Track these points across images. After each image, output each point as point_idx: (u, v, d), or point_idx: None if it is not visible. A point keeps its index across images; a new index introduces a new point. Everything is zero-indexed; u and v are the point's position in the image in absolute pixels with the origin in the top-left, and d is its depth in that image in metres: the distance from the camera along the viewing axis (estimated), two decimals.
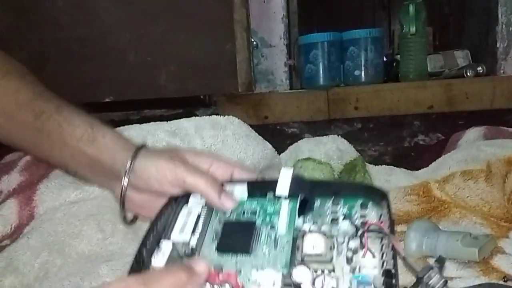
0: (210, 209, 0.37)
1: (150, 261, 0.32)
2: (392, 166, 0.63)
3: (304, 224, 0.34)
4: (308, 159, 0.59)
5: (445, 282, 0.30)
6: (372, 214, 0.34)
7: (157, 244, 0.33)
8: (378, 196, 0.34)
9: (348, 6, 1.34)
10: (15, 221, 0.43)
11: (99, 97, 0.99)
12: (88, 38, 0.97)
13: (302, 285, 0.30)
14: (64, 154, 0.40)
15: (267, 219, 0.35)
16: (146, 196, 0.40)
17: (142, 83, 0.99)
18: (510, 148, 0.53)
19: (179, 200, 0.38)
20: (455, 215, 0.49)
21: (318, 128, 0.98)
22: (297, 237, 0.33)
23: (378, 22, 1.19)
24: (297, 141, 0.64)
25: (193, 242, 0.34)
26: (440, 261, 0.31)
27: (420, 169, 0.62)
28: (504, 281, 0.38)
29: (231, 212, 0.37)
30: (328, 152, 0.59)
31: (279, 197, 0.36)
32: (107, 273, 0.40)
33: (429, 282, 0.30)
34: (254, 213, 0.36)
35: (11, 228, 0.43)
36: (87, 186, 0.43)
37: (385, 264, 0.31)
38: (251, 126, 0.56)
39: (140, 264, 0.32)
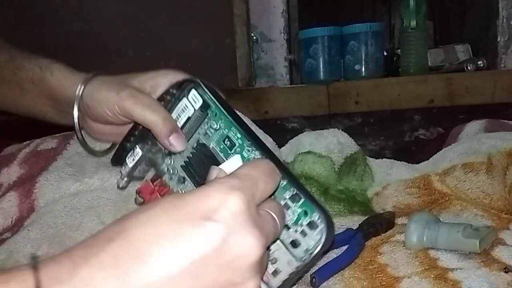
0: (202, 116, 0.36)
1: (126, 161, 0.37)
2: (392, 160, 0.63)
3: None
4: (308, 152, 0.59)
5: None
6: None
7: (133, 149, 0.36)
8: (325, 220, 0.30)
9: (348, 0, 1.33)
10: (16, 213, 0.43)
11: None
12: (88, 32, 0.97)
13: None
14: (27, 100, 0.41)
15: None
16: (103, 125, 0.40)
17: None
18: (511, 140, 0.53)
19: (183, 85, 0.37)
20: (455, 207, 0.49)
21: (319, 122, 0.98)
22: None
23: (379, 16, 1.18)
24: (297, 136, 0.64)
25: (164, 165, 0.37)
26: None
27: (420, 162, 0.62)
28: (505, 271, 0.38)
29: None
30: (329, 146, 0.59)
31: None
32: None
33: None
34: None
35: (11, 221, 0.43)
36: (87, 178, 0.43)
37: None
38: (251, 121, 0.56)
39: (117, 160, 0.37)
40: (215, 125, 0.35)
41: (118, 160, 0.39)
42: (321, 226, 0.29)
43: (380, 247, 0.45)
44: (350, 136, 0.62)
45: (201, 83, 0.35)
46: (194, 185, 0.36)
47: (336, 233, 0.48)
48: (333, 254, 0.43)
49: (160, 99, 0.38)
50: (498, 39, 0.97)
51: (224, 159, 0.34)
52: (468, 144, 0.56)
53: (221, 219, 0.23)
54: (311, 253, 0.30)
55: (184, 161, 0.36)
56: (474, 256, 0.41)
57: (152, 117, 0.36)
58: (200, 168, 0.35)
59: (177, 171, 0.37)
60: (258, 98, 0.97)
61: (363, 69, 0.96)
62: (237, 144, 0.34)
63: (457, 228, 0.42)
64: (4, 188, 0.44)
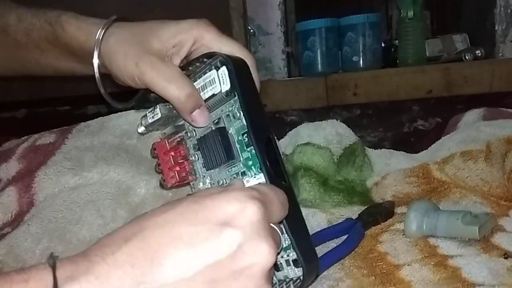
0: (226, 98, 0.33)
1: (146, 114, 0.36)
2: (391, 150, 0.63)
3: None
4: (307, 143, 0.59)
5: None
6: None
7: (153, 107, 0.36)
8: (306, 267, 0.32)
9: None
10: (15, 208, 0.43)
11: (95, 89, 0.98)
12: None
13: None
14: (50, 60, 0.40)
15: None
16: None
17: None
18: (510, 127, 0.53)
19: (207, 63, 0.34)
20: (455, 195, 0.49)
21: (317, 115, 0.98)
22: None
23: (376, 7, 1.18)
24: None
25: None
26: None
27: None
28: (504, 257, 0.38)
29: None
30: (328, 137, 0.59)
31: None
32: None
33: None
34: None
35: (11, 216, 0.43)
36: (85, 172, 0.43)
37: None
38: None
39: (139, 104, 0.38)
40: (237, 115, 0.33)
41: (140, 104, 0.39)
42: (301, 271, 0.31)
43: (379, 236, 0.45)
44: (349, 128, 0.62)
45: (233, 67, 0.32)
46: (203, 161, 0.36)
47: (335, 223, 0.48)
48: (333, 244, 0.44)
49: (188, 64, 0.35)
50: (496, 28, 0.96)
51: (239, 152, 0.33)
52: (467, 133, 0.56)
53: (239, 226, 0.24)
54: (288, 282, 0.31)
55: (202, 134, 0.36)
56: (474, 243, 0.41)
57: (175, 93, 0.33)
58: (213, 147, 0.35)
59: (195, 134, 0.37)
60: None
61: (361, 61, 0.96)
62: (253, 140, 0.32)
63: (456, 215, 0.42)
64: (3, 183, 0.44)
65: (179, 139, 0.38)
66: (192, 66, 0.35)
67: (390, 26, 1.15)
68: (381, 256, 0.41)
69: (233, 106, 0.33)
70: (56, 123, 0.54)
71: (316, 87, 0.96)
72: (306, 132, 0.61)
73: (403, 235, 0.44)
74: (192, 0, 0.97)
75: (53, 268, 0.21)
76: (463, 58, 0.97)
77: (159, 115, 0.36)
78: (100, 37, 0.36)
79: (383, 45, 1.00)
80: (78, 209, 0.41)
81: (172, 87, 0.33)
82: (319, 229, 0.46)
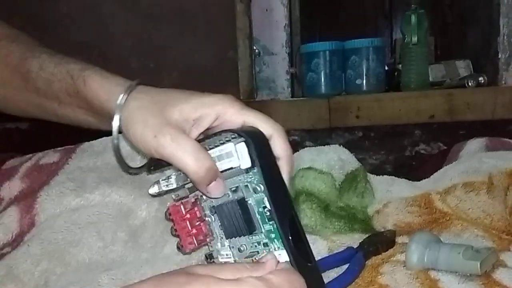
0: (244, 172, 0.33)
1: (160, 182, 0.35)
2: (393, 177, 0.63)
3: None
4: (309, 168, 0.59)
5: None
6: None
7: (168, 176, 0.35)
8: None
9: (350, 15, 1.34)
10: (16, 229, 0.43)
11: None
12: (92, 43, 0.97)
13: None
14: (67, 112, 0.39)
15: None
16: None
17: None
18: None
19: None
20: (456, 227, 0.49)
21: (319, 136, 0.98)
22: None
23: (380, 32, 1.19)
24: (298, 149, 0.64)
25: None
26: None
27: (421, 178, 0.62)
28: None
29: None
30: (330, 162, 0.59)
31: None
32: (108, 283, 0.39)
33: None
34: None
35: (12, 236, 0.42)
36: (88, 193, 0.43)
37: None
38: None
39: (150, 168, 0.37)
40: (258, 189, 0.32)
41: (151, 168, 0.38)
42: None
43: (380, 267, 0.45)
44: (351, 150, 0.62)
45: (253, 144, 0.31)
46: (221, 225, 0.35)
47: (336, 251, 0.48)
48: (333, 274, 0.43)
49: (205, 137, 0.35)
50: (499, 56, 0.97)
51: (260, 223, 0.33)
52: (469, 163, 0.56)
53: None
54: None
55: (220, 202, 0.35)
56: (475, 278, 0.41)
57: (193, 167, 0.32)
58: (233, 217, 0.34)
59: (212, 200, 0.36)
60: (260, 111, 0.97)
61: (364, 84, 0.97)
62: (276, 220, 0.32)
63: (458, 249, 0.42)
64: (5, 202, 0.44)
65: (193, 200, 0.36)
66: (209, 139, 0.34)
67: (394, 50, 1.16)
68: None
69: (252, 178, 0.32)
70: (59, 135, 0.54)
71: (319, 108, 0.97)
72: (308, 156, 0.61)
73: (404, 266, 0.44)
74: (199, 20, 0.98)
75: None
76: (466, 84, 0.97)
77: (174, 186, 0.35)
78: (122, 102, 0.35)
79: (386, 69, 1.01)
80: (79, 230, 0.41)
81: (191, 161, 0.32)
82: (319, 257, 0.46)
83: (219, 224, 0.36)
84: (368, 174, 0.62)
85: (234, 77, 0.98)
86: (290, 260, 0.31)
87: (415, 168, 0.94)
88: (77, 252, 0.41)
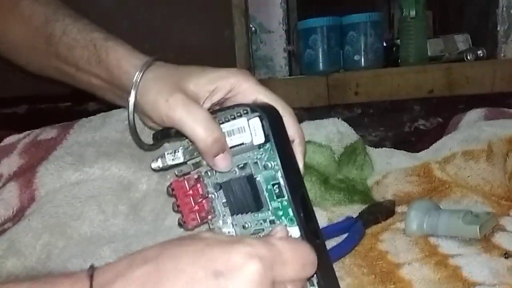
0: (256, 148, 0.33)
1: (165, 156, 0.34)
2: (392, 149, 0.63)
3: None
4: (308, 142, 0.59)
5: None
6: None
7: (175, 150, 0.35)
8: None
9: None
10: (17, 204, 0.43)
11: None
12: None
13: None
14: (85, 79, 0.39)
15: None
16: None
17: None
18: (511, 127, 0.53)
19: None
20: (456, 194, 0.49)
21: (318, 114, 0.98)
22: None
23: (378, 6, 1.18)
24: None
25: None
26: None
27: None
28: (505, 257, 0.38)
29: None
30: (329, 135, 0.59)
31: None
32: (110, 255, 0.40)
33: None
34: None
35: (12, 211, 0.43)
36: (87, 167, 0.43)
37: None
38: None
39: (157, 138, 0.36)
40: (269, 166, 0.32)
41: (158, 140, 0.37)
42: None
43: (380, 235, 0.45)
44: (350, 127, 0.62)
45: (268, 119, 0.32)
46: (225, 203, 0.35)
47: (336, 221, 0.48)
48: (333, 242, 0.44)
49: (218, 110, 0.35)
50: (498, 29, 0.96)
51: (268, 201, 0.32)
52: (468, 132, 0.56)
53: (233, 281, 0.23)
54: None
55: (226, 178, 0.35)
56: (475, 242, 0.41)
57: (202, 135, 0.32)
58: (239, 194, 0.34)
59: (215, 173, 0.35)
60: None
61: (362, 60, 0.96)
62: (286, 197, 0.32)
63: (457, 214, 0.42)
64: (4, 178, 0.44)
65: (196, 176, 0.36)
66: (222, 112, 0.34)
67: (392, 26, 1.15)
68: (381, 254, 0.41)
69: (263, 155, 0.32)
70: (57, 119, 0.54)
71: (317, 86, 0.96)
72: (307, 130, 0.61)
73: (403, 234, 0.44)
74: None
75: (91, 277, 0.23)
76: (465, 58, 0.97)
77: (181, 160, 0.35)
78: (139, 79, 0.36)
79: (384, 44, 1.00)
80: (79, 204, 0.41)
81: (200, 129, 0.33)
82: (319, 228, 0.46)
83: (223, 201, 0.35)
84: (367, 146, 0.62)
85: (231, 56, 0.97)
86: (301, 235, 0.31)
87: (414, 144, 0.94)
88: (79, 226, 0.41)
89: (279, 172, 0.32)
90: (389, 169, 0.57)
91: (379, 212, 0.49)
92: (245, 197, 0.33)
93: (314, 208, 0.51)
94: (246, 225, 0.34)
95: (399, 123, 0.98)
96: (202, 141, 0.33)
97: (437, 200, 0.50)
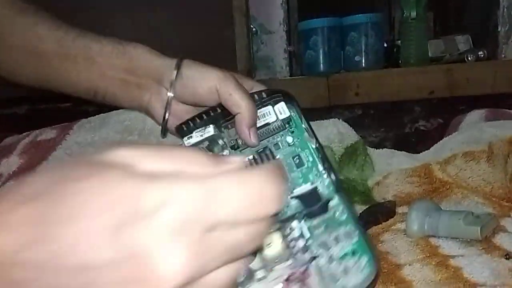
0: (280, 127, 0.37)
1: (193, 134, 0.37)
2: (393, 150, 0.63)
3: None
4: None
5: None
6: None
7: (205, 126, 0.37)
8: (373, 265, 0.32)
9: None
10: None
11: None
12: (86, 26, 0.96)
13: None
14: (93, 74, 0.40)
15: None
16: (187, 107, 0.40)
17: None
18: None
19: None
20: (456, 195, 0.49)
21: (319, 114, 0.96)
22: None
23: (378, 7, 1.18)
24: None
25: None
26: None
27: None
28: (506, 258, 0.38)
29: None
30: (329, 136, 0.59)
31: None
32: None
33: None
34: None
35: None
36: None
37: None
38: None
39: (182, 130, 0.38)
40: (290, 140, 0.36)
41: (182, 130, 0.39)
42: (367, 270, 0.30)
43: (381, 236, 0.45)
44: (351, 127, 0.62)
45: (293, 99, 0.38)
46: None
47: None
48: None
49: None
50: (499, 29, 0.96)
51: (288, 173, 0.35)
52: (469, 133, 0.56)
53: (137, 232, 0.17)
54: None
55: (247, 160, 0.36)
56: (475, 243, 0.41)
57: (247, 104, 0.36)
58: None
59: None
60: None
61: (363, 61, 0.96)
62: (305, 165, 0.36)
63: (458, 215, 0.42)
64: (4, 178, 0.44)
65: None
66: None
67: (392, 27, 1.15)
68: (382, 255, 0.41)
69: (286, 133, 0.37)
70: (57, 119, 0.54)
71: (317, 86, 0.96)
72: None
73: (404, 234, 0.44)
74: None
75: None
76: (466, 59, 0.96)
77: (211, 133, 0.37)
78: (176, 73, 0.39)
79: (385, 45, 1.00)
80: None
81: (247, 99, 0.37)
82: None
83: None
84: (368, 147, 0.62)
85: (232, 57, 0.97)
86: (334, 184, 0.34)
87: (415, 145, 0.93)
88: None
89: (304, 143, 0.36)
90: (390, 170, 0.57)
91: (380, 213, 0.49)
92: None
93: None
94: None
95: (400, 124, 0.98)
96: (246, 109, 0.36)
97: (437, 201, 0.49)
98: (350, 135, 0.60)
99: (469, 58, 0.96)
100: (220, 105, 0.38)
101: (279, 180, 0.20)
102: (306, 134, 0.37)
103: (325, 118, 0.63)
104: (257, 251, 0.29)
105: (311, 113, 1.01)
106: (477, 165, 0.51)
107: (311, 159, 0.35)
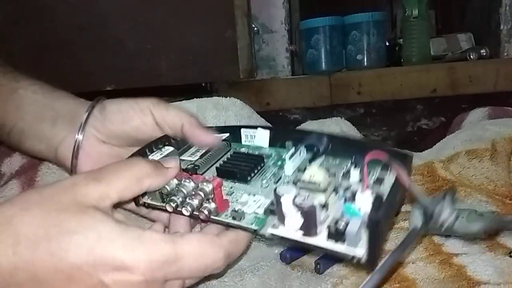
0: (227, 145, 0.37)
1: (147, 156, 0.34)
2: (396, 148, 0.62)
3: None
4: None
5: (457, 216, 0.28)
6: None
7: (159, 148, 0.35)
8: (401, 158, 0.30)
9: None
10: None
11: (99, 86, 0.98)
12: (87, 26, 0.96)
13: (282, 199, 0.27)
14: (7, 105, 0.37)
15: (279, 162, 0.35)
16: (108, 147, 0.37)
17: (143, 71, 0.98)
18: None
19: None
20: (460, 193, 0.49)
21: (321, 114, 0.97)
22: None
23: (380, 6, 1.17)
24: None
25: (198, 162, 0.35)
26: (451, 192, 0.28)
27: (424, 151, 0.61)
28: (509, 256, 0.38)
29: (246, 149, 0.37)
30: None
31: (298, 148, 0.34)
32: None
33: (440, 218, 0.28)
34: (268, 156, 0.36)
35: None
36: None
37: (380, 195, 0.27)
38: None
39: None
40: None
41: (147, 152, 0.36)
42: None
43: None
44: (353, 126, 0.62)
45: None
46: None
47: None
48: None
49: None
50: (501, 28, 0.96)
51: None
52: (472, 131, 0.55)
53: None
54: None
55: (221, 163, 0.35)
56: (479, 242, 0.41)
57: (188, 112, 0.36)
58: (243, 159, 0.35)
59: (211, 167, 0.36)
60: (260, 90, 0.97)
61: (365, 59, 0.96)
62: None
63: (462, 213, 0.42)
64: (7, 177, 0.44)
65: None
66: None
67: (394, 25, 1.14)
68: (385, 254, 0.41)
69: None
70: None
71: (319, 85, 0.96)
72: (310, 129, 0.60)
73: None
74: None
75: None
76: (468, 57, 0.96)
77: (170, 149, 0.35)
78: (87, 114, 0.37)
79: (387, 44, 1.00)
80: None
81: (182, 110, 0.37)
82: None
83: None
84: None
85: (233, 57, 0.97)
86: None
87: (417, 143, 0.93)
88: None
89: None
90: None
91: None
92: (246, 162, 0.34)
93: None
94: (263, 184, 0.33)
95: (402, 122, 0.98)
96: (191, 114, 0.36)
97: None
98: (353, 134, 0.60)
99: (472, 57, 0.96)
100: (161, 140, 0.36)
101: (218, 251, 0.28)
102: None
103: (327, 117, 0.63)
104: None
105: (313, 112, 1.01)
106: (480, 163, 0.51)
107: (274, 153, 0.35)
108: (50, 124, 0.37)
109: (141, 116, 0.36)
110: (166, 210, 0.31)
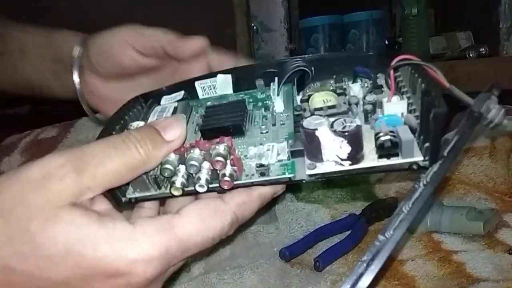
0: (188, 104, 0.32)
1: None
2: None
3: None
4: None
5: (506, 111, 0.25)
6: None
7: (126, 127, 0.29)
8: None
9: None
10: None
11: None
12: (87, 23, 0.96)
13: (318, 132, 0.24)
14: (26, 67, 0.39)
15: (259, 103, 0.31)
16: (116, 83, 0.37)
17: None
18: None
19: (150, 99, 0.33)
20: (459, 191, 0.49)
21: None
22: (299, 110, 0.28)
23: (379, 4, 1.17)
24: None
25: None
26: (498, 86, 0.26)
27: None
28: (509, 253, 0.38)
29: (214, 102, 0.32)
30: None
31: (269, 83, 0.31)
32: None
33: (488, 115, 0.25)
34: (242, 100, 0.31)
35: None
36: None
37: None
38: None
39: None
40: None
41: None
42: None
43: None
44: None
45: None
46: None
47: (339, 218, 0.48)
48: (336, 239, 0.43)
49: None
50: (500, 26, 0.96)
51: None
52: None
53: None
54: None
55: (200, 123, 0.30)
56: (478, 239, 0.41)
57: (161, 34, 0.36)
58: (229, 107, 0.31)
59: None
60: None
61: None
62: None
63: (461, 211, 0.42)
64: None
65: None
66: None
67: (393, 23, 1.14)
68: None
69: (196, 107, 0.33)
70: (58, 120, 0.54)
71: None
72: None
73: (407, 230, 0.44)
74: None
75: None
76: (467, 55, 0.96)
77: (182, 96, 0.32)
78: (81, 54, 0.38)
79: (386, 42, 1.00)
80: None
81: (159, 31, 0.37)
82: (322, 225, 0.46)
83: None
84: None
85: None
86: None
87: None
88: None
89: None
90: None
91: (382, 209, 0.48)
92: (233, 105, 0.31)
93: (317, 206, 0.51)
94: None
95: None
96: (169, 36, 0.37)
97: (440, 196, 0.49)
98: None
99: (471, 55, 0.96)
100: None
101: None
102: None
103: None
104: None
105: None
106: (479, 160, 0.51)
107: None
108: (65, 75, 0.38)
109: (121, 52, 0.36)
110: (169, 197, 0.26)
